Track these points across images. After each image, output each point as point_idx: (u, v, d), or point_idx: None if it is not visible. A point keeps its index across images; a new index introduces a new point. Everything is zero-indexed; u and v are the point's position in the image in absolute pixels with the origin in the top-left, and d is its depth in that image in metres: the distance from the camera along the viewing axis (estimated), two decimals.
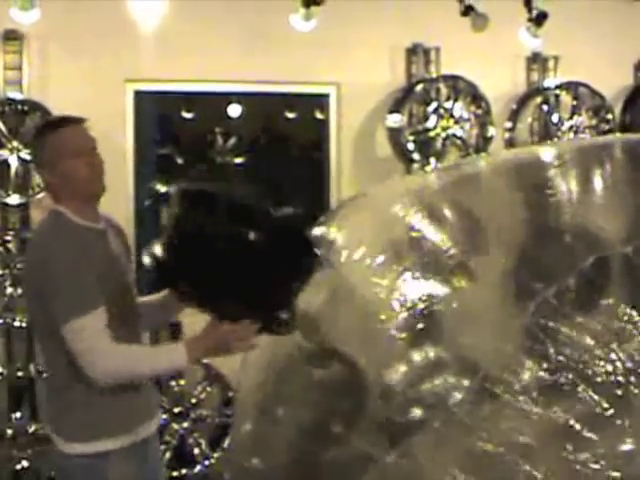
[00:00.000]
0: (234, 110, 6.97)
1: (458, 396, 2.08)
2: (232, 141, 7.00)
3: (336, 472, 2.30)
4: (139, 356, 3.36)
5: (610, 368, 1.87)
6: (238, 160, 7.03)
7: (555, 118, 7.19)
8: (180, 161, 6.92)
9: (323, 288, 2.64)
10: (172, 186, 3.39)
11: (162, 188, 6.83)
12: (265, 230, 3.08)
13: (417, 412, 2.17)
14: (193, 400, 6.17)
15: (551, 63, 7.27)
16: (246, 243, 3.09)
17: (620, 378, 1.89)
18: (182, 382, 6.15)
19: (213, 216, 3.16)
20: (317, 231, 2.74)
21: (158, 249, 3.22)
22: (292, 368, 2.54)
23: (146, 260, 3.26)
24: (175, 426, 6.11)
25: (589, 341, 1.93)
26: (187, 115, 6.87)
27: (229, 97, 6.89)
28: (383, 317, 2.18)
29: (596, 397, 1.83)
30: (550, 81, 7.25)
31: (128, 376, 3.31)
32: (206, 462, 6.16)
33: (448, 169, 3.45)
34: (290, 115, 7.10)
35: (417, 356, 2.24)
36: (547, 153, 2.62)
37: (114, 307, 3.32)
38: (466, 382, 2.11)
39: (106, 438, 3.34)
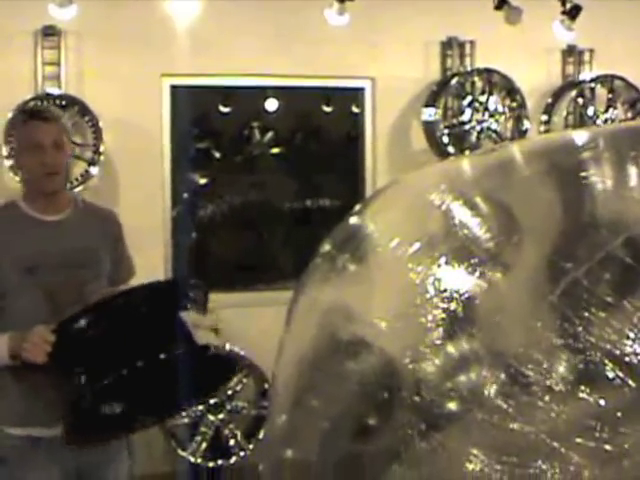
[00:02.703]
0: (271, 104, 7.00)
1: (492, 388, 2.10)
2: (269, 135, 7.04)
3: (369, 463, 2.32)
4: None
5: (639, 349, 1.89)
6: (275, 151, 7.07)
7: (590, 111, 7.17)
8: (217, 155, 6.97)
9: (358, 278, 2.66)
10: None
11: (200, 181, 6.89)
12: None
13: (451, 404, 2.18)
14: (229, 392, 6.21)
15: (586, 56, 7.25)
16: None
17: None
18: None
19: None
20: (352, 220, 2.76)
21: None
22: (326, 359, 2.56)
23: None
24: (211, 417, 6.16)
25: (619, 321, 1.94)
26: (224, 109, 6.90)
27: (266, 91, 6.93)
28: (418, 302, 2.19)
29: (622, 375, 1.84)
30: (585, 74, 7.23)
31: None
32: (242, 453, 6.20)
33: (482, 155, 3.44)
34: (326, 109, 7.11)
35: (451, 347, 2.25)
36: (580, 137, 2.62)
37: (41, 293, 3.34)
38: (500, 374, 2.12)
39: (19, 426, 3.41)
